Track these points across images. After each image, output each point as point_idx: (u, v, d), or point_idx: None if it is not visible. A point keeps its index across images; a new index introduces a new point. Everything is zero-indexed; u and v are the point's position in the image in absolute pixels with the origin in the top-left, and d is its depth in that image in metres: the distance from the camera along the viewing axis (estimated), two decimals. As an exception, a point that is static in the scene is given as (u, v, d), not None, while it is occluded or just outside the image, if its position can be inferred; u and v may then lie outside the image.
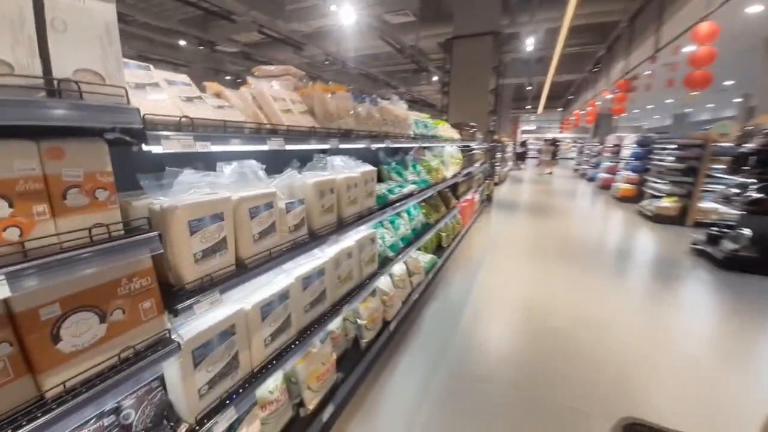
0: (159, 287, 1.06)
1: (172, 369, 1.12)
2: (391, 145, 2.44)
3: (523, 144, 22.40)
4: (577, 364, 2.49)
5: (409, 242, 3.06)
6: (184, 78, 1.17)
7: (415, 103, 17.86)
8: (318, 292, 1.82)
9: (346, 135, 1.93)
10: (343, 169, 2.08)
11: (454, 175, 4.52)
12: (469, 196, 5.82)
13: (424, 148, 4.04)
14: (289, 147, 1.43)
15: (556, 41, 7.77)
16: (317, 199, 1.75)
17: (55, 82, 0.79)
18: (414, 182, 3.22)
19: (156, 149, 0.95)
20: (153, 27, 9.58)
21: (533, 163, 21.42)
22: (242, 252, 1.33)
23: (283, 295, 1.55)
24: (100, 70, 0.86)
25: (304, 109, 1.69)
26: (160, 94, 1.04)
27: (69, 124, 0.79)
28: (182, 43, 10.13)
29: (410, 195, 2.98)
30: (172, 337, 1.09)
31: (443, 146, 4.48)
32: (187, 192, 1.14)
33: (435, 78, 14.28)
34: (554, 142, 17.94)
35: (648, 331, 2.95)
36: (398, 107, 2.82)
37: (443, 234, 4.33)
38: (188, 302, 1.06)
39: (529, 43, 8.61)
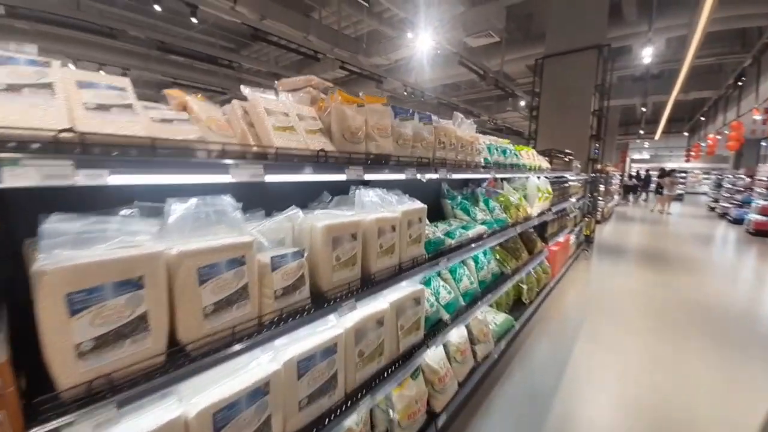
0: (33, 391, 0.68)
1: None
2: (447, 176, 1.86)
3: (632, 176, 19.03)
4: None
5: (473, 299, 2.36)
6: (117, 81, 0.83)
7: (499, 131, 16.80)
8: (323, 378, 1.29)
9: (379, 162, 1.44)
10: (378, 206, 1.57)
11: (542, 213, 3.63)
12: (561, 238, 4.73)
13: (502, 179, 3.32)
14: (271, 178, 0.99)
15: (686, 52, 6.26)
16: (329, 249, 1.27)
17: None
18: (484, 222, 2.54)
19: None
20: (263, 73, 10.94)
21: (642, 197, 17.92)
22: (183, 333, 0.90)
23: (258, 390, 1.06)
24: None
25: (316, 127, 1.26)
26: (48, 98, 0.69)
27: None
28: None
29: (478, 239, 2.32)
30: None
31: (527, 177, 3.68)
32: (99, 245, 0.76)
33: (522, 103, 13.23)
34: (663, 173, 14.72)
35: None
36: (463, 128, 2.24)
37: (524, 286, 3.44)
38: (46, 427, 0.64)
39: (646, 55, 7.16)
